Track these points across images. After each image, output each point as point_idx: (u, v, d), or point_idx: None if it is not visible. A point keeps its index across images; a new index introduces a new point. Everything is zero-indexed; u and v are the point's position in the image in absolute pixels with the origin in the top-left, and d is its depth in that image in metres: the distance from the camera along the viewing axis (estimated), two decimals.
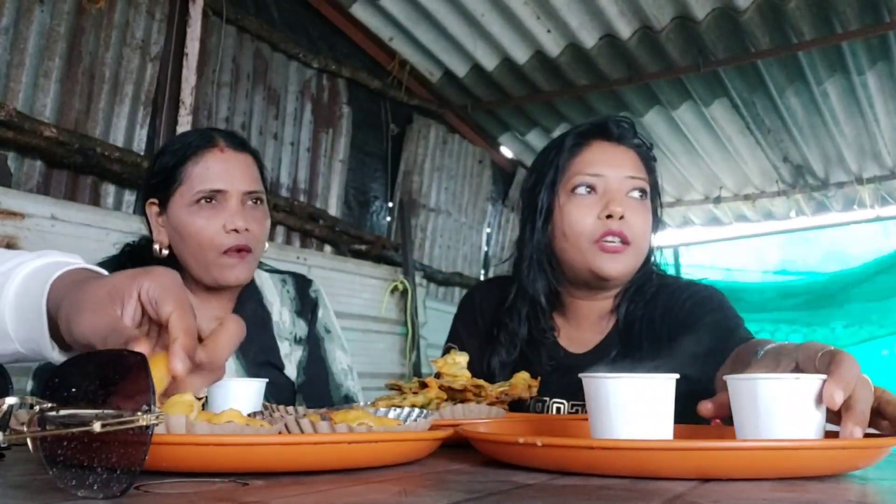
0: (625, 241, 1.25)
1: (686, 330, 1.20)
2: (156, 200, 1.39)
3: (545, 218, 1.31)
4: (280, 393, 1.43)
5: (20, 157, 2.38)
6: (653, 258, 1.37)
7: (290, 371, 1.49)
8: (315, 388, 1.49)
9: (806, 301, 5.25)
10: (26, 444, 0.57)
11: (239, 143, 1.42)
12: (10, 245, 2.14)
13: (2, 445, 0.57)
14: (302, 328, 1.51)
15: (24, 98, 2.37)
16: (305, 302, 1.53)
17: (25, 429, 0.57)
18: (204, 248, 1.33)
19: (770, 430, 0.69)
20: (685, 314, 1.25)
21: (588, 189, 1.28)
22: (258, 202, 1.39)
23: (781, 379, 0.71)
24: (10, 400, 0.57)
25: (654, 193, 1.35)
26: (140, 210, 1.45)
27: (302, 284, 1.55)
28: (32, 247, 2.18)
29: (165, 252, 1.37)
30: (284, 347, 1.48)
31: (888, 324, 4.94)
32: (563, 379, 1.28)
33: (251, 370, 1.41)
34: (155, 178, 1.39)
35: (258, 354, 1.44)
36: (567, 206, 1.28)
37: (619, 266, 1.26)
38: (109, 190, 2.66)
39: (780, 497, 0.57)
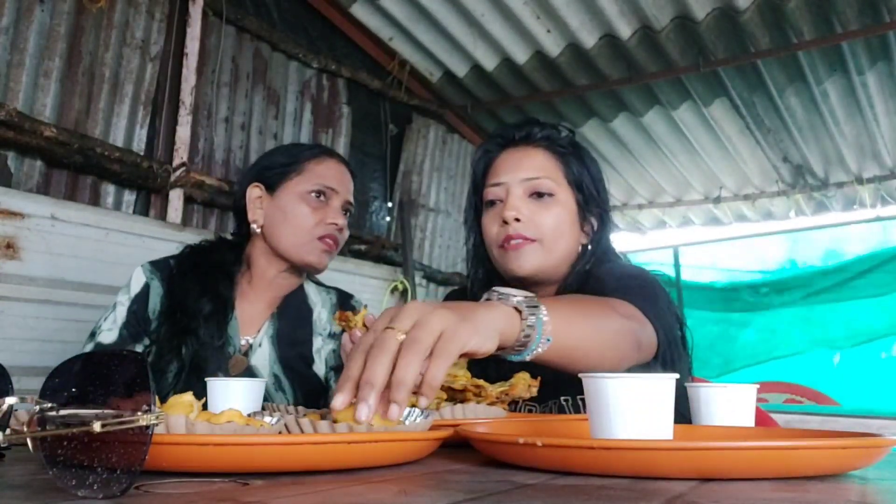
0: (527, 239, 1.31)
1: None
2: (260, 185, 1.58)
3: (477, 231, 1.41)
4: (305, 384, 1.56)
5: (20, 157, 2.38)
6: (593, 248, 1.37)
7: (319, 367, 1.60)
8: None
9: (802, 297, 5.23)
10: (26, 444, 0.57)
11: (348, 165, 1.66)
12: (10, 245, 2.14)
13: (2, 445, 0.57)
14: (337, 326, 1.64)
15: (24, 98, 2.37)
16: (345, 307, 1.66)
17: (25, 429, 0.57)
18: (305, 231, 1.53)
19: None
20: (600, 283, 1.25)
21: (494, 199, 1.36)
22: (348, 213, 1.62)
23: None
24: (10, 400, 0.57)
25: (581, 185, 1.36)
26: (238, 194, 1.62)
27: (344, 295, 1.71)
28: (32, 247, 2.18)
29: (258, 230, 1.57)
30: (317, 342, 1.62)
31: (886, 323, 4.93)
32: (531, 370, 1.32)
33: (283, 356, 1.55)
34: (268, 167, 1.59)
35: (292, 344, 1.58)
36: (483, 218, 1.38)
37: (528, 259, 1.31)
38: (109, 190, 2.66)
39: (780, 497, 0.57)
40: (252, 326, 1.57)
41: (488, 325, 0.80)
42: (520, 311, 0.86)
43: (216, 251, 1.59)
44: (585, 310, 1.03)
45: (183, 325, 1.45)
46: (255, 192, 1.58)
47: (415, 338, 0.71)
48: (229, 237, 1.67)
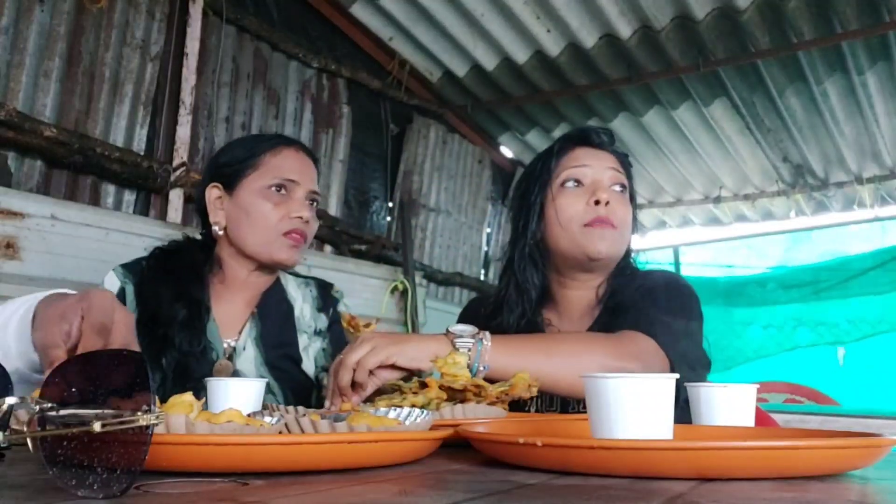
0: (613, 225, 1.38)
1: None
2: (219, 185, 1.50)
3: (539, 214, 1.44)
4: (295, 385, 1.52)
5: (20, 157, 2.38)
6: (631, 255, 1.49)
7: (308, 365, 1.56)
8: None
9: (810, 293, 5.22)
10: (26, 444, 0.57)
11: (309, 152, 1.58)
12: (10, 245, 2.14)
13: (2, 445, 0.57)
14: (322, 321, 1.60)
15: (24, 98, 2.37)
16: (327, 300, 1.63)
17: (25, 429, 0.57)
18: (269, 228, 1.46)
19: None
20: (630, 302, 1.35)
21: (576, 182, 1.42)
22: (314, 203, 1.54)
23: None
24: (10, 400, 0.57)
25: (631, 195, 1.47)
26: (199, 195, 1.55)
27: (323, 286, 1.66)
28: (32, 246, 2.18)
29: (221, 232, 1.50)
30: (303, 340, 1.57)
31: (889, 319, 4.92)
32: None
33: (269, 358, 1.50)
34: (225, 165, 1.52)
35: (277, 345, 1.53)
36: (559, 198, 1.41)
37: (608, 243, 1.38)
38: (109, 190, 2.66)
39: (780, 497, 0.57)
40: (233, 328, 1.50)
41: (418, 347, 1.12)
42: (453, 342, 1.13)
43: (185, 252, 1.52)
44: (549, 346, 1.22)
45: (159, 335, 1.38)
46: (213, 192, 1.51)
47: (343, 361, 1.11)
48: (199, 236, 1.59)
